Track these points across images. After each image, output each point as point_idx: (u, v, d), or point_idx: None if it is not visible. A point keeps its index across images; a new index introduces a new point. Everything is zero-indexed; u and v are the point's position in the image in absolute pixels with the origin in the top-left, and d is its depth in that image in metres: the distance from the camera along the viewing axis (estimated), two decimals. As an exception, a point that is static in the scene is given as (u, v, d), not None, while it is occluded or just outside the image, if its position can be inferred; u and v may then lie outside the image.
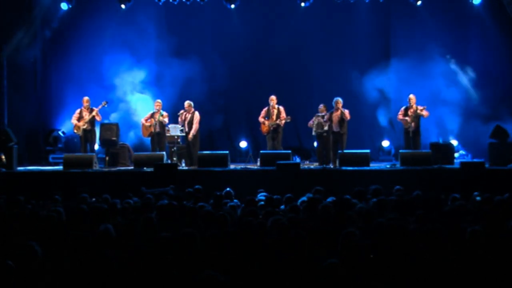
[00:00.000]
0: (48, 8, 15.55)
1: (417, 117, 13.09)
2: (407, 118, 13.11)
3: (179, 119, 13.52)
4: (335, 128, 13.04)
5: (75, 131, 13.63)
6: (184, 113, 13.46)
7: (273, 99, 13.39)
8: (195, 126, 13.37)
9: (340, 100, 13.04)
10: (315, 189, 9.02)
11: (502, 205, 7.39)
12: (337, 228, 5.83)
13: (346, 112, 12.92)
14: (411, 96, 13.29)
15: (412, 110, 13.12)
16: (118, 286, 4.51)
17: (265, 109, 13.51)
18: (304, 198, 8.24)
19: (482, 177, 11.11)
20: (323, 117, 13.21)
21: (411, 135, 13.08)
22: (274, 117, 13.34)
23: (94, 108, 13.59)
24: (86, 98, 13.68)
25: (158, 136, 13.61)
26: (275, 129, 13.37)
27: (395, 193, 8.68)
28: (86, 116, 13.51)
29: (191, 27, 16.09)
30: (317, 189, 9.01)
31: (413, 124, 13.05)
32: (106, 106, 13.81)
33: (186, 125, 13.43)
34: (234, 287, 4.23)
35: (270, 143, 13.43)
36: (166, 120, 13.61)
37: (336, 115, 13.04)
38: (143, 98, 15.59)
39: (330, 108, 13.32)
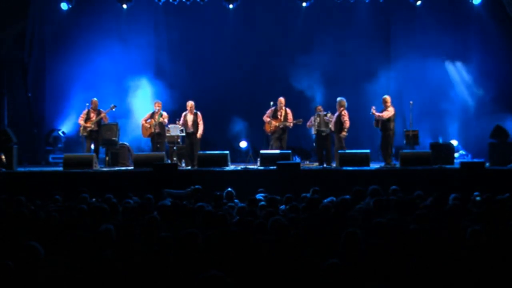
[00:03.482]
0: (45, 7, 15.56)
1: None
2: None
3: (182, 120, 13.51)
4: (333, 128, 13.07)
5: (81, 131, 13.60)
6: (186, 113, 13.49)
7: (281, 101, 13.51)
8: (202, 126, 13.42)
9: (343, 100, 13.09)
10: (313, 190, 9.04)
11: (502, 205, 7.40)
12: (337, 228, 5.84)
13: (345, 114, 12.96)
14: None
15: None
16: (119, 286, 4.51)
17: (272, 109, 13.58)
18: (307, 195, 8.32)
19: (482, 177, 11.10)
20: (325, 115, 13.16)
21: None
22: (282, 118, 13.46)
23: (102, 110, 13.60)
24: (94, 99, 13.67)
25: (158, 137, 13.63)
26: (283, 129, 13.46)
27: (393, 193, 8.69)
28: (94, 117, 13.53)
29: (191, 27, 16.09)
30: (315, 190, 9.04)
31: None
32: (114, 110, 13.85)
33: (190, 125, 13.43)
34: (235, 287, 4.22)
35: (277, 143, 13.49)
36: (166, 121, 13.65)
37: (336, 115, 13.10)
38: (142, 97, 15.59)
39: (326, 109, 13.36)
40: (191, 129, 13.43)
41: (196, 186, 9.67)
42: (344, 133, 12.88)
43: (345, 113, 12.92)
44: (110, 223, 5.91)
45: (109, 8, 15.91)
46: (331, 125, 13.04)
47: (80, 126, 13.61)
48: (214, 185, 10.20)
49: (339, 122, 12.96)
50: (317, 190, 9.03)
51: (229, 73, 16.08)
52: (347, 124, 12.86)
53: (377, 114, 12.85)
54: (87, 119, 13.56)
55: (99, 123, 13.61)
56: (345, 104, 13.00)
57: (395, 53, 15.79)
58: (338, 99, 13.16)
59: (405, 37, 15.78)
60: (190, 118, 13.43)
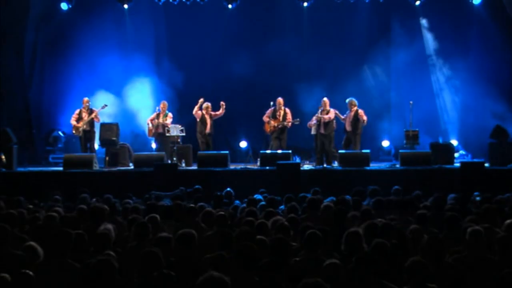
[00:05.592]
0: (45, 7, 15.56)
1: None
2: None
3: (200, 121, 13.65)
4: (348, 127, 13.20)
5: (74, 131, 13.61)
6: (204, 114, 13.67)
7: (280, 101, 13.59)
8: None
9: (354, 100, 13.24)
10: (313, 190, 9.04)
11: (502, 205, 7.40)
12: (337, 228, 5.84)
13: (361, 112, 13.17)
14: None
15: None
16: (119, 287, 4.51)
17: (271, 109, 13.63)
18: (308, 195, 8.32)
19: (482, 177, 11.10)
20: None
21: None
22: (281, 118, 13.50)
23: (94, 109, 13.60)
24: (86, 99, 13.69)
25: (162, 137, 13.67)
26: (282, 129, 13.48)
27: (394, 193, 8.70)
28: (86, 117, 13.51)
29: (191, 27, 16.08)
30: (316, 190, 9.04)
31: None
32: (105, 108, 13.83)
33: (209, 127, 13.63)
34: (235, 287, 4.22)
35: (276, 142, 13.52)
36: (170, 121, 13.69)
37: (350, 115, 13.20)
38: (142, 98, 15.58)
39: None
40: (209, 130, 13.62)
41: (196, 186, 9.66)
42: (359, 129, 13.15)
43: (361, 111, 13.17)
44: (110, 223, 5.91)
45: (109, 8, 15.88)
46: (347, 126, 13.23)
47: (73, 127, 13.60)
48: (214, 185, 10.20)
49: (355, 122, 13.11)
50: (318, 190, 9.03)
51: (229, 73, 16.05)
52: (365, 121, 13.15)
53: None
54: (79, 119, 13.55)
55: (92, 123, 13.59)
56: (357, 103, 13.23)
57: (395, 53, 15.77)
58: (349, 99, 13.28)
59: (405, 37, 15.75)
60: (208, 118, 13.58)
